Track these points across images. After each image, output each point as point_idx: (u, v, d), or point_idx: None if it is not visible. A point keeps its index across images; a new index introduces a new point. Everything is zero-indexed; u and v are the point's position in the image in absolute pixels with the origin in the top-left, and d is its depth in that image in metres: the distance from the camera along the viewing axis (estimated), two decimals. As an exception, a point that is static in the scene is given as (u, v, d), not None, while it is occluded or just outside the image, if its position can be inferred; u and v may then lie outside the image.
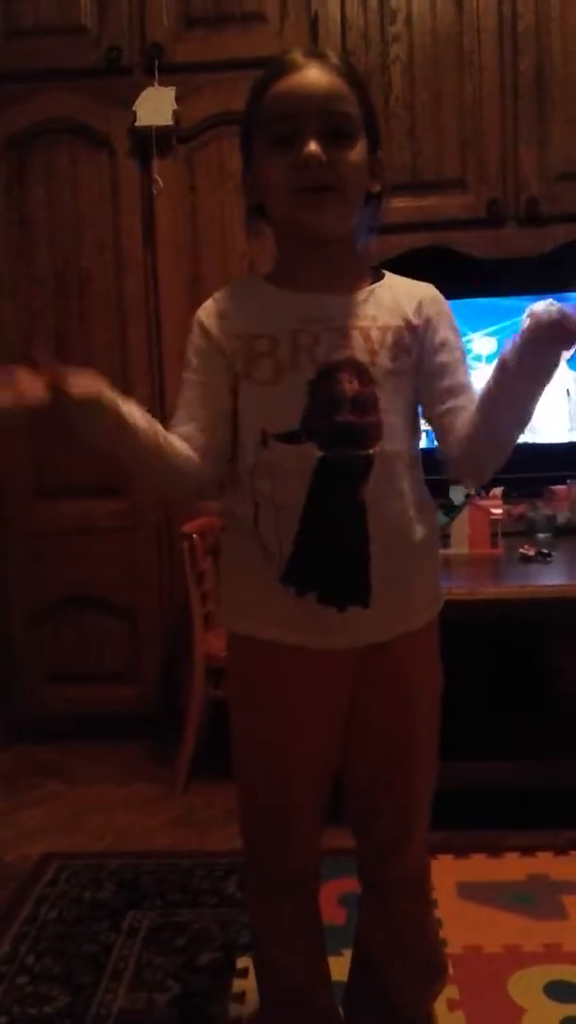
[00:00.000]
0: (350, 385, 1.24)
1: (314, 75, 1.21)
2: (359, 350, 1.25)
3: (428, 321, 1.30)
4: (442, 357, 1.29)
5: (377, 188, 1.29)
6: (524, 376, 1.17)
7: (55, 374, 1.11)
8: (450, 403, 1.28)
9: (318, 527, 1.24)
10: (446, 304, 1.34)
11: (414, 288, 1.33)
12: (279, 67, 1.23)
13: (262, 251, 1.34)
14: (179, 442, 1.28)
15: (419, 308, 1.30)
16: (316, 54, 1.24)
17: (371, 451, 1.24)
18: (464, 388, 1.29)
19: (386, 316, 1.28)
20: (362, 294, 1.29)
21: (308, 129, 1.19)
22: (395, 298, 1.30)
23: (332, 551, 1.26)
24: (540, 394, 1.20)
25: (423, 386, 1.30)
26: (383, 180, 1.31)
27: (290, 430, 1.24)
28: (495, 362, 1.20)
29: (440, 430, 1.30)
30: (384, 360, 1.26)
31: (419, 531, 1.30)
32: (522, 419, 1.22)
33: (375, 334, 1.26)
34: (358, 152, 1.23)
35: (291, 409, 1.24)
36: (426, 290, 1.33)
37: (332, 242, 1.26)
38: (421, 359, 1.29)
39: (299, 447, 1.23)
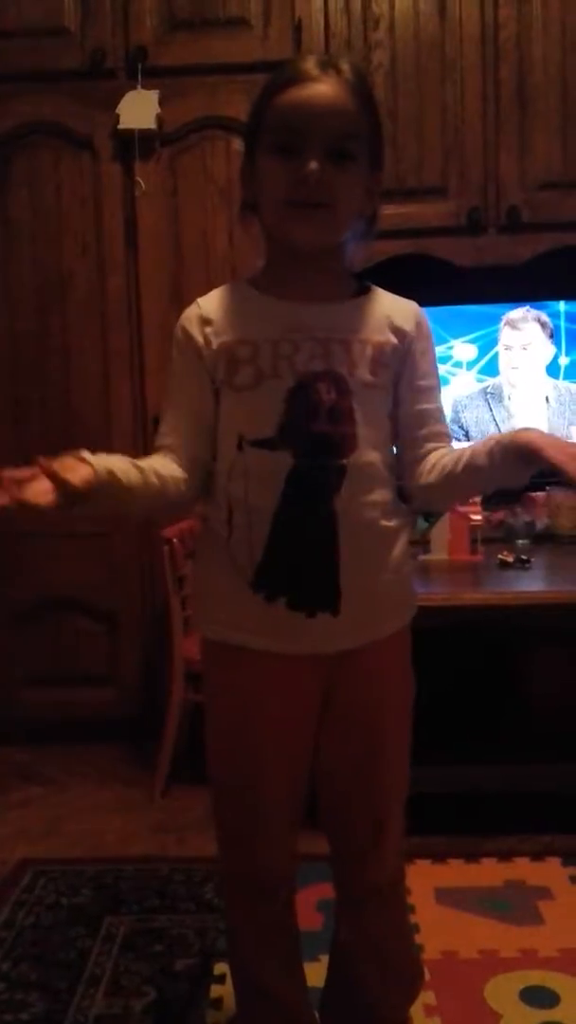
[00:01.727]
0: (328, 395, 1.25)
1: (325, 90, 1.21)
2: (338, 361, 1.26)
3: (411, 346, 1.32)
4: (421, 395, 1.33)
5: (371, 211, 1.31)
6: (507, 479, 1.25)
7: (53, 471, 1.09)
8: (423, 449, 1.33)
9: (289, 534, 1.25)
10: (429, 325, 1.36)
11: (399, 305, 1.34)
12: (293, 75, 1.22)
13: (249, 242, 1.35)
14: (166, 469, 1.29)
15: (403, 328, 1.32)
16: (332, 65, 1.23)
17: (344, 461, 1.26)
18: (438, 436, 1.34)
19: (368, 330, 1.29)
20: (346, 306, 1.30)
21: (312, 145, 1.20)
22: (380, 313, 1.31)
23: (302, 558, 1.26)
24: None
25: (397, 412, 1.33)
26: (378, 203, 1.32)
27: (266, 437, 1.25)
28: (483, 449, 1.24)
29: (407, 471, 1.35)
30: (363, 373, 1.27)
31: (391, 541, 1.32)
32: (486, 490, 1.29)
33: (356, 347, 1.28)
34: (357, 173, 1.24)
35: (268, 416, 1.25)
36: (411, 309, 1.35)
37: (318, 255, 1.28)
38: (399, 382, 1.32)
39: (273, 454, 1.25)
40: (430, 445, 1.33)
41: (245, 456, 1.26)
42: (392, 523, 1.31)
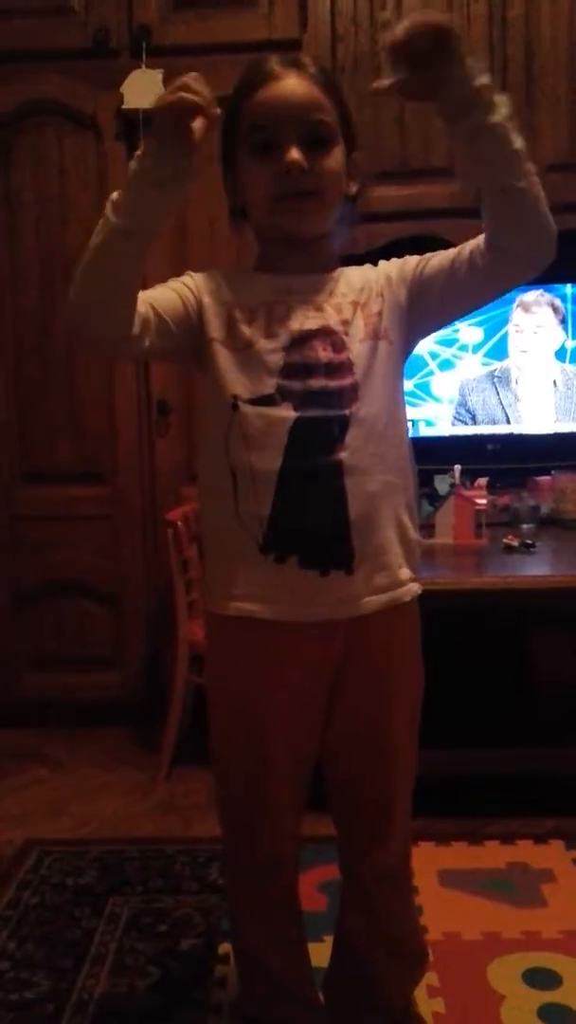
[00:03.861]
0: (324, 352, 1.27)
1: (292, 85, 1.25)
2: (332, 319, 1.30)
3: (389, 275, 1.35)
4: (421, 266, 1.33)
5: (354, 189, 1.35)
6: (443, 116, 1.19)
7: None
8: (458, 255, 1.30)
9: (295, 489, 1.25)
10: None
11: (372, 268, 1.38)
12: (258, 76, 1.27)
13: (243, 246, 1.41)
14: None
15: (379, 275, 1.35)
16: (293, 63, 1.27)
17: (347, 412, 1.26)
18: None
19: (356, 292, 1.33)
20: (333, 274, 1.35)
21: (288, 137, 1.24)
22: (361, 277, 1.35)
23: (311, 513, 1.26)
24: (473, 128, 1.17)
25: (434, 290, 1.31)
26: (359, 181, 1.36)
27: (266, 394, 1.26)
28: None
29: (470, 258, 1.28)
30: (357, 328, 1.30)
31: (399, 498, 1.32)
32: (493, 158, 1.19)
33: (347, 307, 1.31)
34: (336, 157, 1.28)
35: (265, 375, 1.27)
36: (384, 263, 1.38)
37: (309, 243, 1.32)
38: (411, 292, 1.33)
39: (274, 409, 1.26)
40: (449, 253, 1.32)
41: (242, 416, 1.27)
42: (400, 479, 1.32)
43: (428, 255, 1.35)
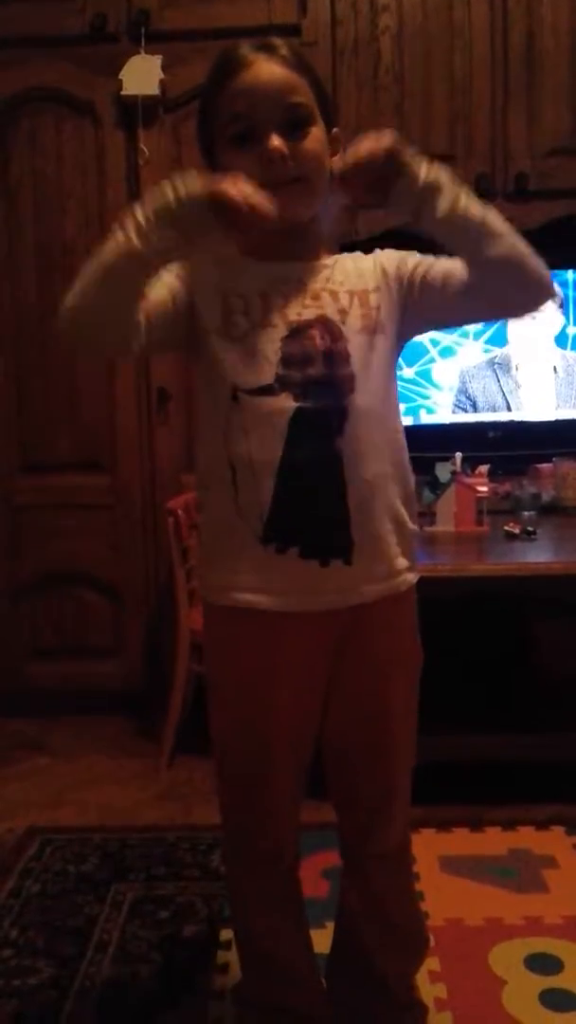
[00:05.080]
0: (321, 341, 1.26)
1: (266, 70, 1.23)
2: (329, 309, 1.29)
3: (386, 269, 1.34)
4: (420, 271, 1.32)
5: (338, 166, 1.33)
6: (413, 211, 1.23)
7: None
8: (450, 275, 1.30)
9: (295, 479, 1.25)
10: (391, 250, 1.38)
11: (366, 257, 1.36)
12: (230, 65, 1.24)
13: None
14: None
15: (376, 267, 1.34)
16: (264, 47, 1.25)
17: (345, 402, 1.26)
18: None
19: (352, 281, 1.32)
20: (328, 261, 1.33)
21: (267, 124, 1.22)
22: (356, 266, 1.34)
23: (311, 503, 1.26)
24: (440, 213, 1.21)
25: (428, 302, 1.32)
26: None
27: (265, 384, 1.25)
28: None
29: (455, 284, 1.29)
30: (355, 318, 1.29)
31: (396, 488, 1.32)
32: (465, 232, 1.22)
33: (343, 296, 1.30)
34: (317, 138, 1.26)
35: (264, 365, 1.26)
36: (376, 253, 1.37)
37: (299, 228, 1.30)
38: (407, 293, 1.32)
39: (274, 399, 1.25)
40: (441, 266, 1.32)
41: (242, 407, 1.26)
42: (397, 471, 1.32)
43: (428, 260, 1.33)
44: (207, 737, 1.42)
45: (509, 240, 1.22)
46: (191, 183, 1.16)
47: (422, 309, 1.33)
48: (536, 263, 1.23)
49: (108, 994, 1.72)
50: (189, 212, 1.16)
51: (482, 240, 1.21)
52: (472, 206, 1.21)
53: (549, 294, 1.26)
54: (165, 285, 1.28)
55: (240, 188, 1.15)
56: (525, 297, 1.27)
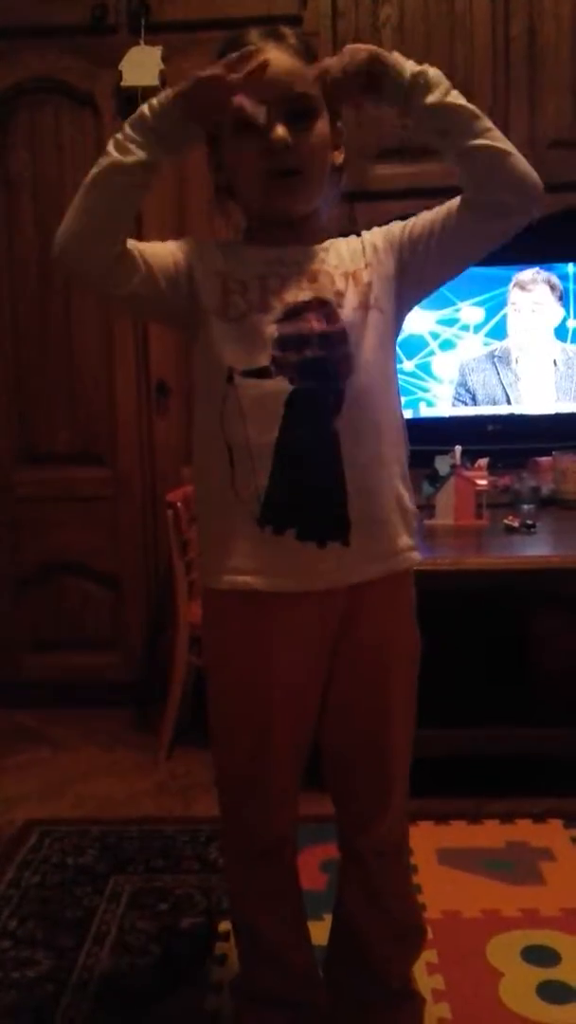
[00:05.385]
0: (318, 323, 1.27)
1: (274, 59, 1.23)
2: (326, 291, 1.29)
3: (375, 244, 1.35)
4: (407, 229, 1.34)
5: (340, 159, 1.34)
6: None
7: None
8: (440, 214, 1.33)
9: (292, 460, 1.25)
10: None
11: (356, 239, 1.37)
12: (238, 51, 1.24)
13: (228, 228, 1.39)
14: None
15: (366, 245, 1.35)
16: (273, 35, 1.26)
17: (342, 384, 1.26)
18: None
19: (346, 264, 1.33)
20: (324, 244, 1.34)
21: (273, 112, 1.23)
22: (348, 248, 1.35)
23: (308, 484, 1.26)
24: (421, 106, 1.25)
25: (424, 250, 1.32)
26: (344, 151, 1.35)
27: (261, 366, 1.26)
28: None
29: (459, 214, 1.32)
30: (351, 299, 1.30)
31: (395, 467, 1.32)
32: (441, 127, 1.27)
33: (339, 278, 1.31)
34: (321, 130, 1.27)
35: (260, 347, 1.26)
36: (363, 234, 1.38)
37: (300, 218, 1.31)
38: (400, 257, 1.33)
39: (270, 381, 1.25)
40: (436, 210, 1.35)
41: (238, 389, 1.26)
42: (393, 449, 1.32)
43: (412, 219, 1.35)
44: (206, 730, 1.42)
45: (496, 132, 1.26)
46: (161, 95, 1.23)
47: (424, 260, 1.33)
48: (521, 157, 1.26)
49: (106, 986, 1.72)
50: (163, 117, 1.21)
51: (470, 127, 1.25)
52: (460, 98, 1.26)
53: (539, 187, 1.28)
54: (169, 249, 1.30)
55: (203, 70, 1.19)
56: (519, 190, 1.27)
